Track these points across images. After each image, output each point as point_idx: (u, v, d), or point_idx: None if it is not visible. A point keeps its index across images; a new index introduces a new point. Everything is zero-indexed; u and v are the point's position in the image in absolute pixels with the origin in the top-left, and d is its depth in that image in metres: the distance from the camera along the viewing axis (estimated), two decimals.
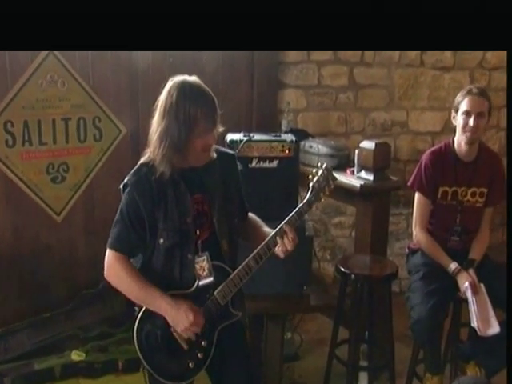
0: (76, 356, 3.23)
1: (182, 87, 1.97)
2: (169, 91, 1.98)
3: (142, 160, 2.09)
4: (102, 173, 3.51)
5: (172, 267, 2.07)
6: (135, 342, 2.08)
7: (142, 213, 2.02)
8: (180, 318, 2.03)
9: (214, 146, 2.10)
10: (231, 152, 2.30)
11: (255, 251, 2.08)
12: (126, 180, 2.07)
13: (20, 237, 3.39)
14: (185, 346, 2.09)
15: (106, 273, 2.08)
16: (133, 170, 2.08)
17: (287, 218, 2.08)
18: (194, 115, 1.94)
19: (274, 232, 2.09)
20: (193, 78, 2.02)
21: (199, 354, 2.12)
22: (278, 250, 2.08)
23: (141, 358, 2.10)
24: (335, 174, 2.16)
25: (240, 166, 2.49)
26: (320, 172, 2.12)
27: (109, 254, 2.07)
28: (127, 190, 2.04)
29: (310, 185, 2.12)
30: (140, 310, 2.09)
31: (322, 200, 2.14)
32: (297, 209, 2.10)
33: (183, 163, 2.04)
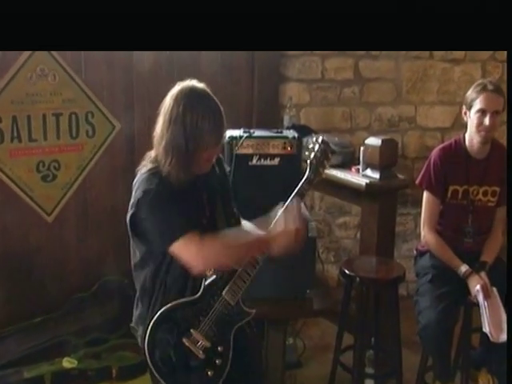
0: (68, 363, 3.22)
1: (191, 97, 1.97)
2: (175, 99, 1.98)
3: (148, 166, 2.06)
4: (96, 171, 3.51)
5: (186, 273, 2.06)
6: (154, 370, 2.06)
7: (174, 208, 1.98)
8: (286, 232, 2.00)
9: None
10: (219, 155, 2.31)
11: None
12: (144, 188, 2.00)
13: (9, 238, 3.39)
14: (200, 355, 2.09)
15: (198, 262, 1.98)
16: (144, 178, 2.03)
17: (288, 201, 2.09)
18: (202, 128, 1.95)
19: (276, 219, 2.08)
20: (201, 86, 2.02)
21: (217, 361, 2.12)
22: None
23: None
24: (332, 172, 2.18)
25: (228, 167, 2.52)
26: (317, 147, 2.14)
27: (181, 246, 1.96)
28: (151, 196, 1.98)
29: (308, 161, 2.13)
30: (145, 333, 2.07)
31: (323, 176, 2.15)
32: (297, 188, 2.11)
33: (187, 173, 2.05)
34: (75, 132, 3.44)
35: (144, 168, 2.08)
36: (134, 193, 2.06)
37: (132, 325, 2.19)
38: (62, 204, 3.49)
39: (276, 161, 2.87)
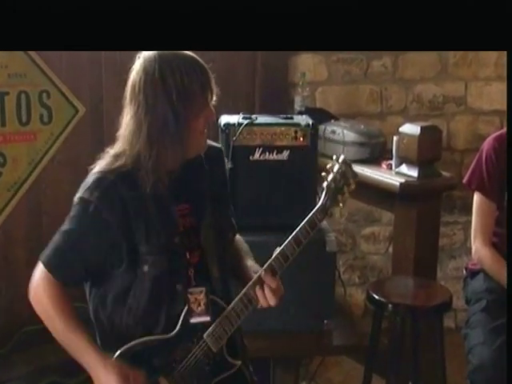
0: None
1: (162, 57, 1.99)
2: (144, 69, 1.99)
3: (102, 165, 2.09)
4: (53, 167, 3.52)
5: (159, 303, 2.10)
6: None
7: (114, 236, 2.04)
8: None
9: None
10: (217, 145, 2.33)
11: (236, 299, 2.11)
12: (84, 195, 2.06)
13: None
14: None
15: (30, 292, 2.11)
16: (92, 180, 2.07)
17: (294, 232, 2.12)
18: (191, 84, 1.97)
19: (252, 281, 2.11)
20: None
21: None
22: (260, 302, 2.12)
23: None
24: (357, 169, 2.21)
25: (229, 164, 2.50)
26: (336, 167, 2.17)
27: (39, 270, 2.10)
28: (90, 210, 2.04)
29: (324, 185, 2.16)
30: None
31: (341, 205, 2.19)
32: (307, 218, 2.14)
33: (178, 160, 2.07)
34: (26, 117, 3.44)
35: (98, 166, 2.08)
36: None
37: None
38: (9, 210, 3.50)
39: (284, 155, 2.91)
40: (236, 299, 2.12)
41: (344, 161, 2.18)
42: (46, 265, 2.08)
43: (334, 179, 2.16)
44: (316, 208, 2.15)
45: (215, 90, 2.05)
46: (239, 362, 2.20)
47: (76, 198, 2.09)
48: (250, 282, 2.11)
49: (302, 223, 2.13)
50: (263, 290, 2.10)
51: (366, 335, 3.05)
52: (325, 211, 2.16)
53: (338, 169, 2.16)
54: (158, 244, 2.07)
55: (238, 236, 2.37)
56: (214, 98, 2.06)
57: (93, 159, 2.12)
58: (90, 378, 2.13)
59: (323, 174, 2.17)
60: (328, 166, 2.18)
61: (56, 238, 2.10)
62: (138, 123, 2.01)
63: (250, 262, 2.25)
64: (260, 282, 2.10)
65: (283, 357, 2.95)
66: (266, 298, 2.10)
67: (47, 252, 2.09)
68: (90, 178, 2.08)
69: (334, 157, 2.19)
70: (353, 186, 2.19)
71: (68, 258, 2.08)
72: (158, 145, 2.00)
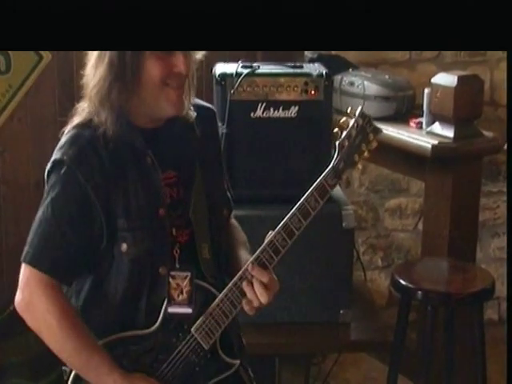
0: None
1: None
2: None
3: (76, 121, 2.11)
4: (12, 126, 3.52)
5: (139, 290, 2.11)
6: None
7: (91, 205, 2.05)
8: None
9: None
10: (209, 106, 2.34)
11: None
12: (56, 156, 2.07)
13: None
14: None
15: (18, 302, 2.09)
16: (65, 139, 2.09)
17: (298, 204, 2.10)
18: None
19: (241, 271, 2.10)
20: None
21: None
22: (246, 305, 2.11)
23: None
24: (379, 125, 2.18)
25: (223, 129, 2.48)
26: (352, 122, 2.14)
27: (26, 274, 2.07)
28: (62, 172, 2.05)
29: (337, 143, 2.14)
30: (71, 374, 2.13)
31: (359, 166, 2.17)
32: (315, 184, 2.11)
33: (144, 116, 2.09)
34: None
35: (69, 125, 2.11)
36: None
37: (65, 367, 2.19)
38: None
39: (292, 111, 2.90)
40: (230, 285, 2.11)
41: (362, 113, 2.15)
42: (33, 263, 2.05)
43: (348, 135, 2.13)
44: (326, 171, 2.12)
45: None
46: (237, 361, 2.20)
47: (50, 164, 2.09)
48: (240, 272, 2.10)
49: (309, 190, 2.10)
50: (252, 286, 2.08)
51: (390, 328, 3.05)
52: (338, 175, 2.13)
53: (354, 123, 2.14)
54: (138, 218, 2.07)
55: (234, 221, 2.37)
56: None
57: (61, 117, 2.11)
58: (59, 380, 2.15)
59: (335, 130, 2.14)
60: (342, 121, 2.15)
61: (34, 228, 2.09)
62: (93, 69, 2.05)
63: (244, 254, 2.23)
64: (249, 274, 2.09)
65: (291, 354, 2.94)
66: (256, 294, 2.08)
67: (28, 249, 2.07)
68: (63, 138, 2.10)
69: (350, 109, 2.16)
70: (374, 144, 2.16)
71: (56, 245, 2.06)
72: (110, 86, 2.01)
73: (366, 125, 2.16)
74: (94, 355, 2.05)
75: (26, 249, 2.07)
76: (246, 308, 2.10)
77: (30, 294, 2.06)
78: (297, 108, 2.89)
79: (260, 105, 2.90)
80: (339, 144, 2.14)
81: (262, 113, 2.90)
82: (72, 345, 2.06)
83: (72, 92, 3.43)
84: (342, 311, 2.91)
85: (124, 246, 2.07)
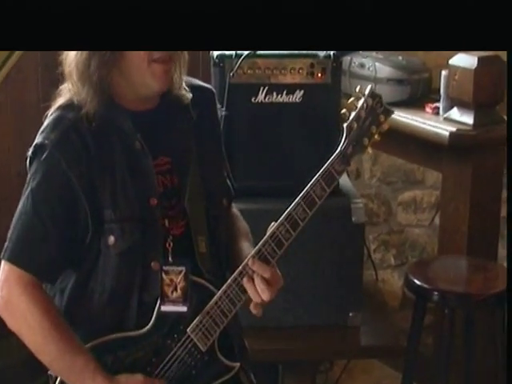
0: None
1: None
2: None
3: (59, 102, 2.13)
4: None
5: (128, 287, 2.11)
6: None
7: (75, 194, 2.05)
8: None
9: (187, 79, 2.19)
10: (207, 86, 2.35)
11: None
12: (38, 140, 2.08)
13: None
14: None
15: None
16: (48, 121, 2.10)
17: (302, 192, 2.10)
18: None
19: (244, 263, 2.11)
20: None
21: None
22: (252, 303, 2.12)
23: None
24: (390, 108, 2.19)
25: (222, 111, 2.47)
26: (361, 102, 2.14)
27: (5, 271, 2.09)
28: (44, 158, 2.06)
29: (345, 125, 2.14)
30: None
31: (369, 151, 2.17)
32: (321, 170, 2.11)
33: (131, 97, 2.10)
34: None
35: (52, 108, 2.12)
36: None
37: (50, 372, 2.19)
38: None
39: (297, 96, 2.91)
40: (229, 281, 2.11)
41: (372, 93, 2.16)
42: (13, 260, 2.07)
43: (356, 117, 2.14)
44: (333, 156, 2.12)
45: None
46: (237, 364, 2.20)
47: (29, 152, 2.10)
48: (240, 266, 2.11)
49: (315, 178, 2.11)
50: (253, 282, 2.08)
51: (403, 333, 3.06)
52: (346, 160, 2.13)
53: (364, 103, 2.14)
54: (127, 208, 2.08)
55: (235, 211, 2.38)
56: None
57: (44, 102, 2.17)
58: None
59: (343, 111, 2.14)
60: (350, 101, 2.16)
61: (13, 222, 2.10)
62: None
63: (246, 246, 2.24)
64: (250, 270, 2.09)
65: (295, 361, 2.94)
66: (258, 291, 2.08)
67: (7, 244, 2.08)
68: (46, 121, 2.12)
69: (358, 88, 2.16)
70: (385, 126, 2.17)
71: (36, 240, 2.07)
72: (90, 62, 2.03)
73: (377, 105, 2.16)
74: (77, 358, 2.06)
75: (5, 244, 2.08)
76: (251, 306, 2.10)
77: (9, 293, 2.08)
78: (302, 92, 2.90)
79: (262, 89, 2.91)
80: (347, 126, 2.14)
81: (264, 97, 2.91)
82: (54, 347, 2.06)
83: (56, 75, 3.43)
84: (351, 314, 2.92)
85: (111, 239, 2.08)
